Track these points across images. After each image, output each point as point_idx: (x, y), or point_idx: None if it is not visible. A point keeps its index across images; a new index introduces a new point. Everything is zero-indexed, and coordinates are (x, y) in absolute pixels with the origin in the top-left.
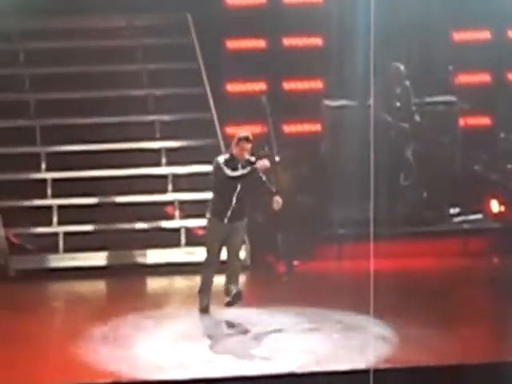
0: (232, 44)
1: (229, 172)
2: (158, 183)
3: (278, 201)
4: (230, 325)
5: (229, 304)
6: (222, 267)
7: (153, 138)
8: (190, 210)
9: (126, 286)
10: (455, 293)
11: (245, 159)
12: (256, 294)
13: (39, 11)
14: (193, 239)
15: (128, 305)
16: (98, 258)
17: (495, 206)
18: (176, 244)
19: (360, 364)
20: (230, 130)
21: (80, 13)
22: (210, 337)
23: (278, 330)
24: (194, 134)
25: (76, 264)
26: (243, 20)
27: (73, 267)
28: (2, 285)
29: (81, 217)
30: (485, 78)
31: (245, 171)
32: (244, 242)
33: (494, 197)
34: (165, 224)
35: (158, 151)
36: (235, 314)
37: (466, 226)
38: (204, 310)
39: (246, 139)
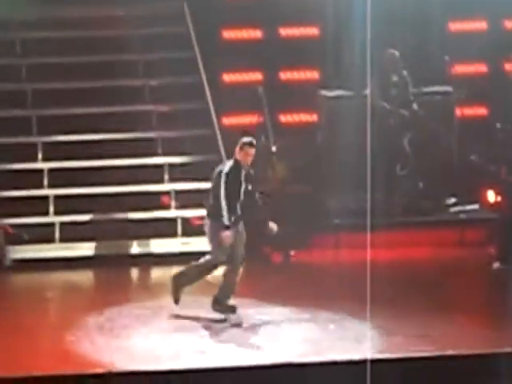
0: (228, 34)
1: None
2: (154, 173)
3: (272, 227)
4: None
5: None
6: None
7: (149, 128)
8: (187, 200)
9: (123, 276)
10: (451, 282)
11: (248, 165)
12: (252, 284)
13: (36, 1)
14: (189, 229)
15: (124, 295)
16: (94, 248)
17: (492, 196)
18: (172, 234)
19: (357, 354)
20: (226, 120)
21: (77, 2)
22: (205, 327)
23: (274, 321)
24: (190, 124)
25: (72, 254)
26: (240, 10)
27: (69, 257)
28: None
29: (77, 207)
30: (481, 68)
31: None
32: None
33: (491, 187)
34: (161, 214)
35: (154, 141)
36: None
37: (462, 216)
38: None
39: (250, 144)
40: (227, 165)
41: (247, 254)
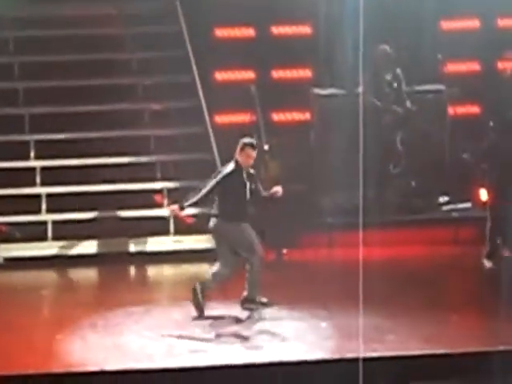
0: (221, 32)
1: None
2: (146, 171)
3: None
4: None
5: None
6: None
7: (142, 126)
8: (179, 198)
9: (115, 274)
10: (444, 281)
11: (249, 167)
12: (243, 281)
13: None
14: (181, 228)
15: (117, 293)
16: (87, 247)
17: (484, 194)
18: (165, 232)
19: (349, 352)
20: (218, 118)
21: (70, 1)
22: (199, 326)
23: (267, 319)
24: (183, 122)
25: (65, 252)
26: (232, 8)
27: (61, 255)
28: None
29: (70, 205)
30: (474, 66)
31: None
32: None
33: (483, 185)
34: (153, 212)
35: (147, 139)
36: (225, 302)
37: (454, 214)
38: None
39: (252, 145)
40: (228, 166)
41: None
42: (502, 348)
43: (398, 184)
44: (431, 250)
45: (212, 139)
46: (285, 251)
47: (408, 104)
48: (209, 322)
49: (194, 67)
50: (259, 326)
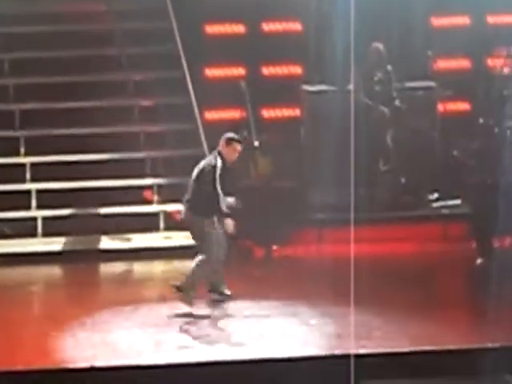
0: (211, 29)
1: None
2: (136, 167)
3: (229, 224)
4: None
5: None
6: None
7: (132, 122)
8: (169, 194)
9: (104, 270)
10: (434, 277)
11: (232, 162)
12: (234, 278)
13: None
14: (171, 224)
15: (105, 289)
16: (77, 243)
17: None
18: (155, 228)
19: (340, 349)
20: (208, 114)
21: None
22: (189, 323)
23: (257, 315)
24: (173, 119)
25: (55, 248)
26: (222, 4)
27: (51, 252)
28: None
29: (60, 201)
30: (464, 63)
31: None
32: None
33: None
34: (143, 209)
35: (137, 135)
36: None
37: (444, 211)
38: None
39: (239, 140)
40: (215, 159)
41: (229, 248)
42: (490, 345)
43: (388, 181)
44: (421, 247)
45: (202, 135)
46: (275, 247)
47: (397, 102)
48: (196, 318)
49: (184, 63)
50: (248, 322)
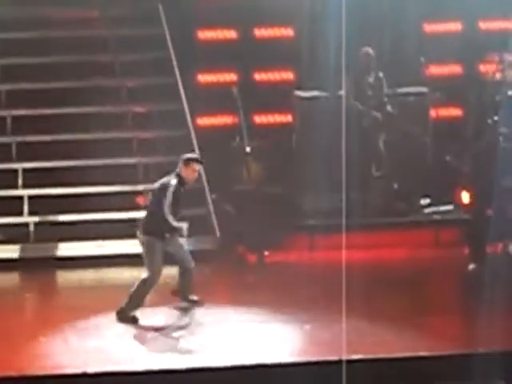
0: (203, 35)
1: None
2: (129, 173)
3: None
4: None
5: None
6: None
7: (124, 129)
8: None
9: (96, 276)
10: (426, 283)
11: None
12: (226, 284)
13: (11, 1)
14: None
15: (97, 296)
16: (69, 248)
17: (466, 197)
18: None
19: (332, 355)
20: (201, 120)
21: (52, 3)
22: (180, 327)
23: (249, 321)
24: (165, 125)
25: (47, 254)
26: (214, 10)
27: (44, 257)
28: None
29: (52, 207)
30: (456, 69)
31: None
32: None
33: (465, 188)
34: (138, 214)
35: (129, 142)
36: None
37: (436, 216)
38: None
39: (197, 160)
40: (172, 180)
41: (221, 254)
42: (482, 351)
43: (381, 186)
44: (414, 253)
45: (194, 141)
46: (266, 253)
47: (389, 107)
48: (186, 324)
49: (177, 69)
50: (240, 328)
